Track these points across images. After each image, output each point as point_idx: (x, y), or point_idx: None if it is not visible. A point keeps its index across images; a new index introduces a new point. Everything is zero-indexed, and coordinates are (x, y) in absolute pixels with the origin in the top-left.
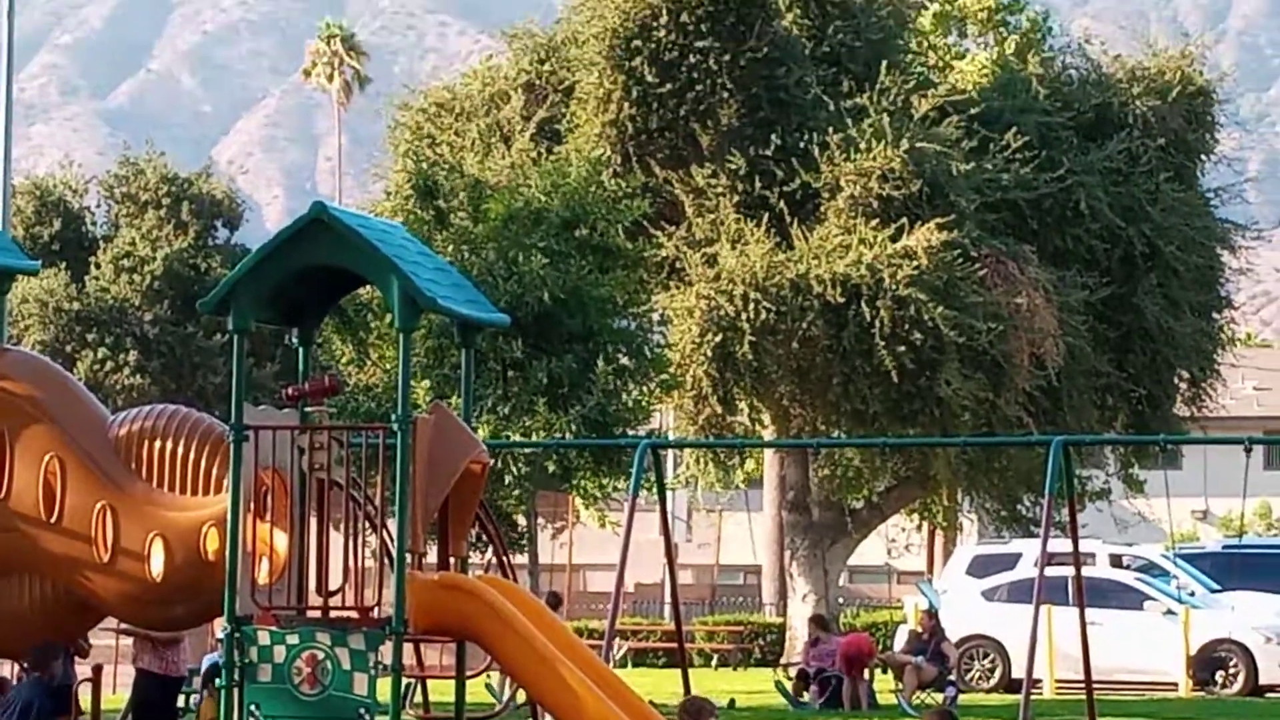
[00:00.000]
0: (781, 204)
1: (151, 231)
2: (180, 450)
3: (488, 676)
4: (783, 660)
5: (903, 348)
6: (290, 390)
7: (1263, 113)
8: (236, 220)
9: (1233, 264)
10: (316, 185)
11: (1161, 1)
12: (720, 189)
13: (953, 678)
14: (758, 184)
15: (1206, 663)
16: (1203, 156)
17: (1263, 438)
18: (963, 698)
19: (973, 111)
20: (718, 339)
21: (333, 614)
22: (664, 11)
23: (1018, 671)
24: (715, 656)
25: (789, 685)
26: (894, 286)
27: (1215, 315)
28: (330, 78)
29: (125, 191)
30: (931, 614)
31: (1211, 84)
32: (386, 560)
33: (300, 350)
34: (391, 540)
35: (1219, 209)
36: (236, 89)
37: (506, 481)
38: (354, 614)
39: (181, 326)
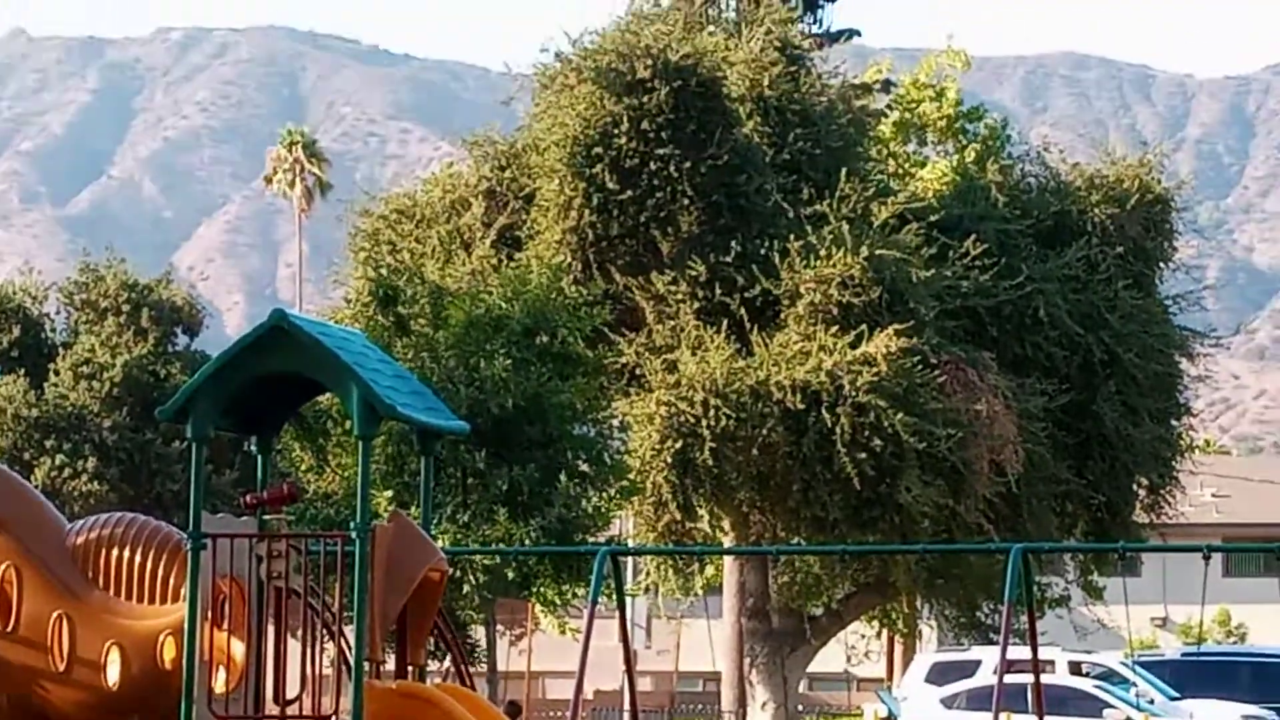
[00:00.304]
0: (742, 310)
1: (111, 338)
2: (138, 559)
3: None
4: None
5: (863, 454)
6: (249, 498)
7: (1220, 220)
8: (196, 327)
9: (1191, 371)
10: (277, 291)
11: (1120, 110)
12: (680, 295)
13: None
14: (718, 290)
15: None
16: (1161, 264)
17: (1222, 545)
18: None
19: (932, 219)
20: (678, 445)
21: None
22: (625, 119)
23: None
24: None
25: None
26: (854, 393)
27: (1174, 422)
28: (292, 184)
29: (85, 298)
30: None
31: (1170, 192)
32: (344, 668)
33: (259, 458)
34: (349, 648)
35: (1177, 316)
36: (198, 195)
37: (465, 590)
38: None
39: (140, 433)
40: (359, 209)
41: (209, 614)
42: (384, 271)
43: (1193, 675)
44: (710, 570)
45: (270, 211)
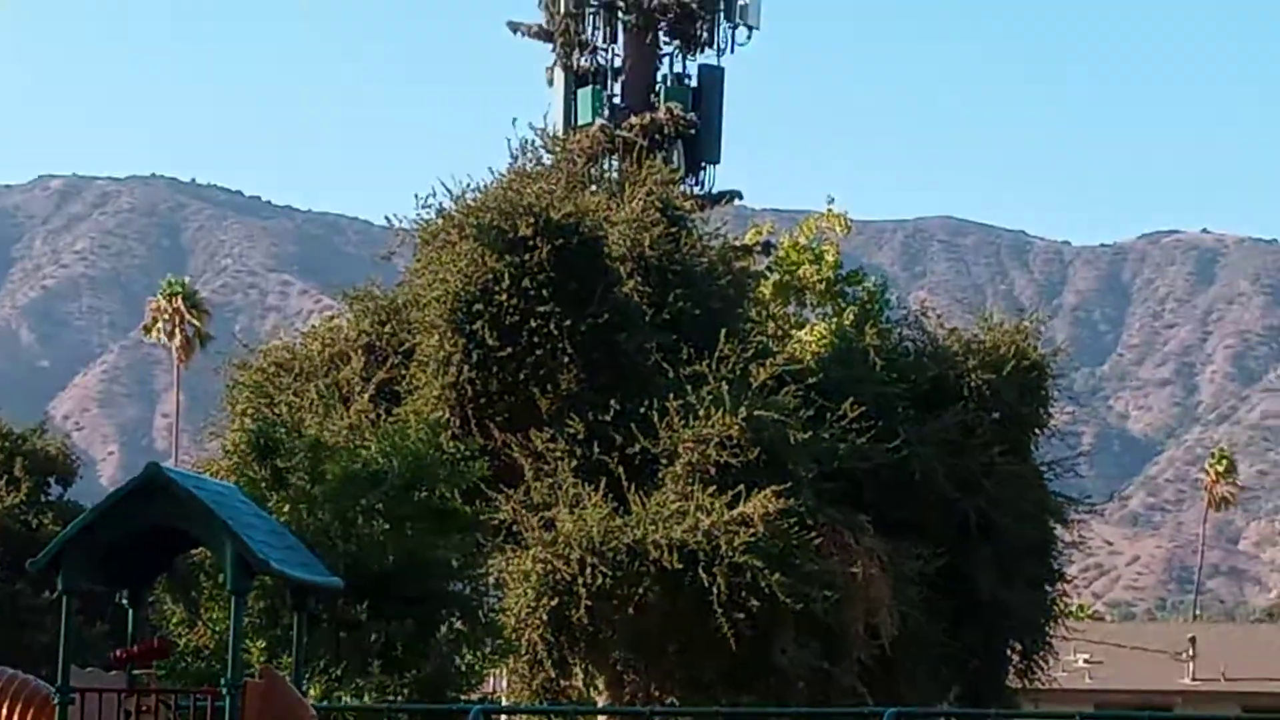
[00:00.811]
0: (620, 469)
1: None
2: (4, 712)
3: None
4: None
5: (739, 614)
6: (119, 652)
7: (1096, 387)
8: (70, 477)
9: (1066, 537)
10: (153, 442)
11: (997, 275)
12: (559, 453)
13: None
14: (596, 448)
15: None
16: (1037, 430)
17: (1094, 712)
18: None
19: (811, 381)
20: (553, 603)
21: None
22: (505, 276)
23: None
24: None
25: None
26: (731, 553)
27: (1048, 587)
28: (171, 334)
29: None
30: None
31: (1046, 358)
32: None
33: (130, 611)
34: None
35: (1053, 482)
36: (75, 344)
37: None
38: None
39: (10, 583)
40: (237, 361)
41: None
42: (262, 424)
43: None
44: None
45: (148, 362)
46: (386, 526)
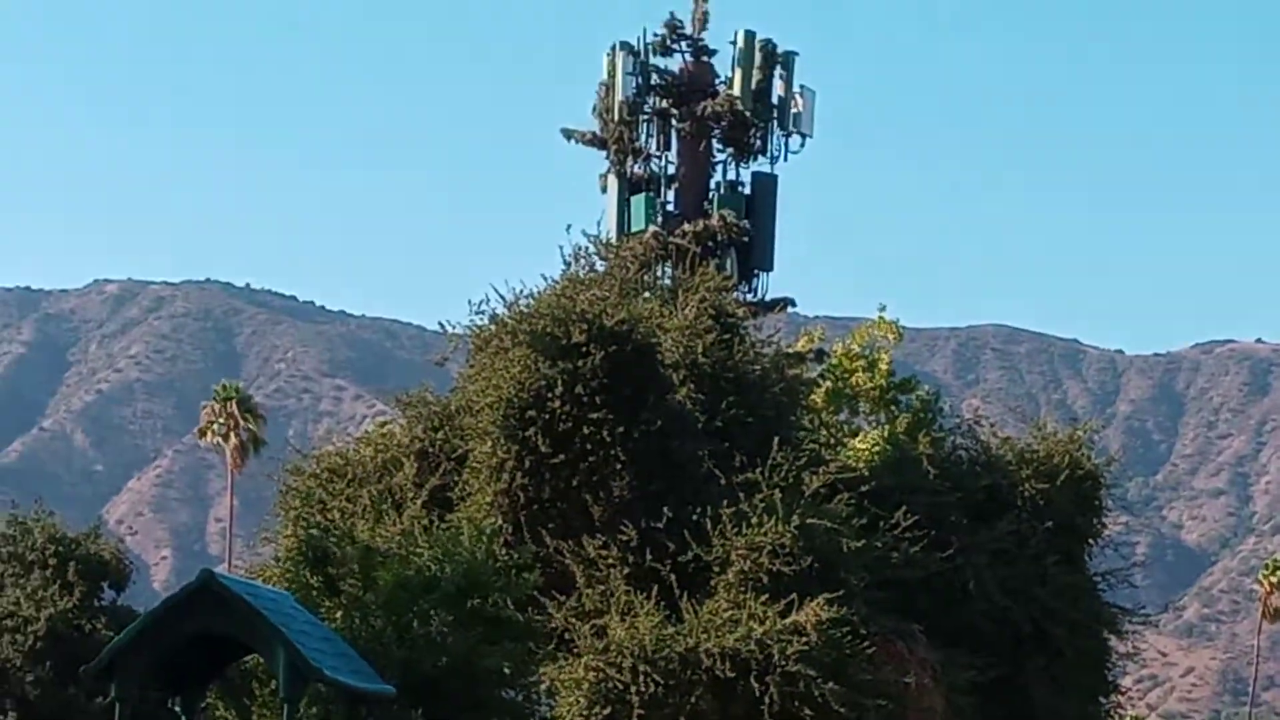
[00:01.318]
0: (672, 576)
1: (36, 592)
2: None
3: None
4: None
5: None
6: None
7: (1150, 497)
8: (123, 582)
9: (1120, 648)
10: (206, 546)
11: (1050, 384)
12: (611, 560)
13: None
14: (649, 556)
15: None
16: (1090, 540)
17: None
18: None
19: (863, 489)
20: (605, 712)
21: None
22: (559, 383)
23: None
24: None
25: None
26: (783, 662)
27: (1102, 699)
28: (226, 438)
29: (12, 551)
30: None
31: (1099, 468)
32: None
33: (184, 717)
34: None
35: (1106, 592)
36: (129, 448)
37: None
38: None
39: (64, 688)
40: (290, 467)
41: None
42: (314, 531)
43: None
44: None
45: (201, 466)
46: (439, 633)
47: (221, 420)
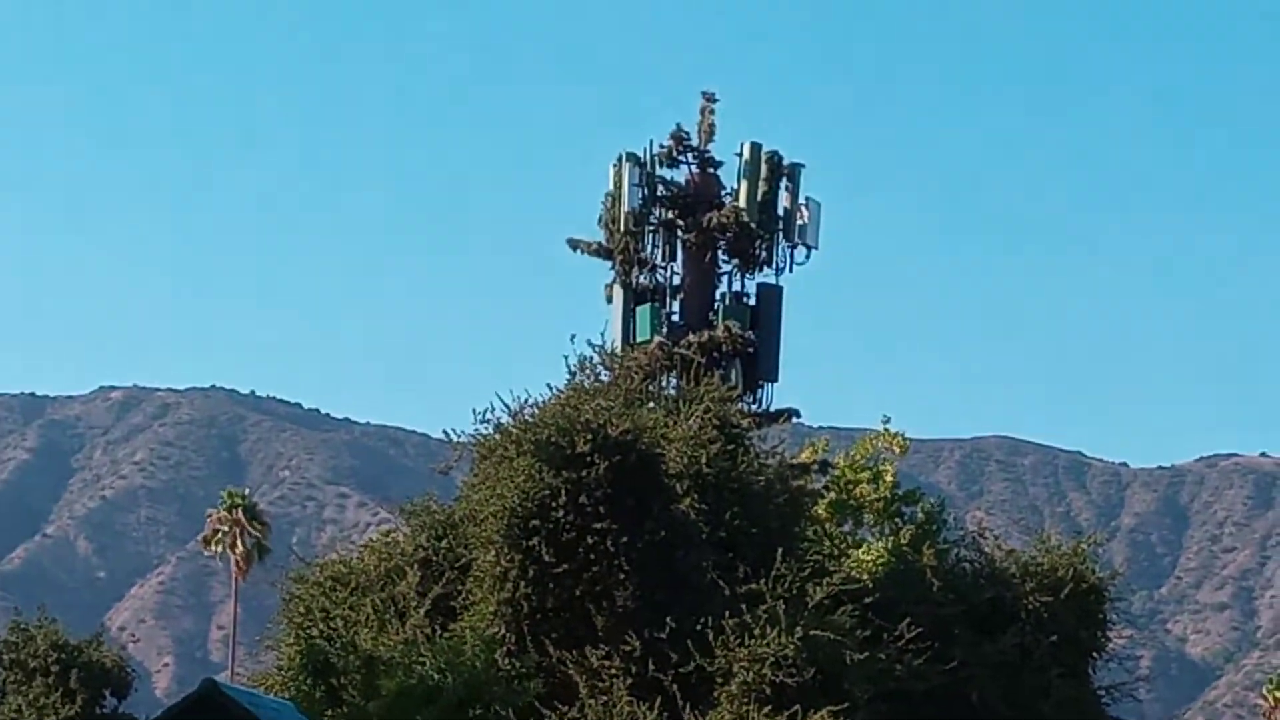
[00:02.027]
0: (675, 687)
1: (39, 699)
2: None
3: None
4: None
5: None
6: None
7: (1154, 610)
8: (125, 690)
9: None
10: (209, 654)
11: (1055, 496)
12: (614, 670)
13: None
14: (651, 666)
15: None
16: (1095, 653)
17: None
18: None
19: (867, 600)
20: None
21: None
22: (563, 492)
23: None
24: None
25: None
26: None
27: None
28: (232, 545)
29: (14, 658)
30: None
31: (1103, 581)
32: None
33: None
34: None
35: (1110, 706)
36: (132, 555)
37: None
38: None
39: None
40: (293, 575)
41: None
42: (316, 640)
43: None
44: None
45: (205, 573)
46: None
47: (227, 528)
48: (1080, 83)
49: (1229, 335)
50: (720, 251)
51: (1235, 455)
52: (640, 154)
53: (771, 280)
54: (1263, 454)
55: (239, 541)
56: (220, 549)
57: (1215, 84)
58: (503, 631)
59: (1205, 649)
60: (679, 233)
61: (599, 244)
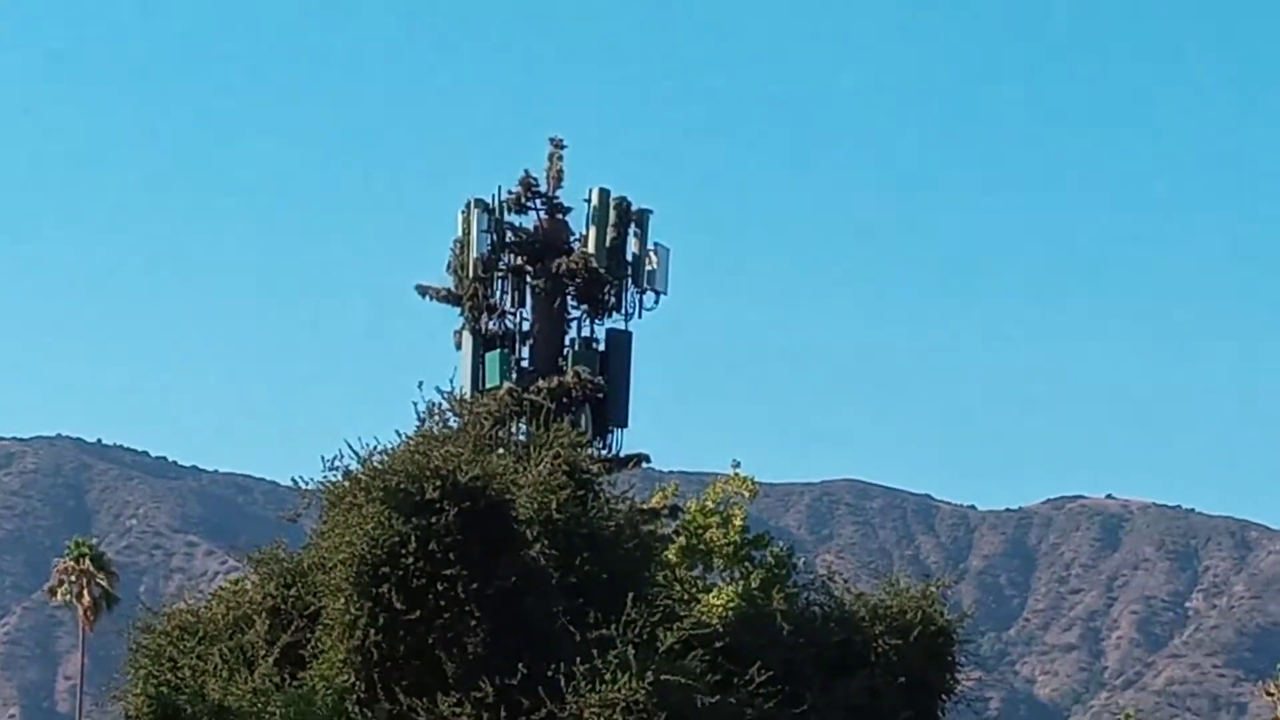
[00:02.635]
0: None
1: None
2: None
3: None
4: None
5: None
6: None
7: (1003, 652)
8: None
9: None
10: (55, 705)
11: (904, 539)
12: (466, 717)
13: None
14: (503, 713)
15: None
16: (944, 695)
17: None
18: None
19: (718, 645)
20: None
21: None
22: (413, 539)
23: None
24: None
25: None
26: None
27: None
28: (79, 595)
29: None
30: None
31: (952, 624)
32: None
33: None
34: None
35: None
36: None
37: None
38: None
39: None
40: (140, 624)
41: None
42: (164, 689)
43: None
44: None
45: (51, 623)
46: None
47: (74, 577)
48: (931, 125)
49: (1074, 378)
50: (569, 297)
51: (1081, 497)
52: (489, 200)
53: (621, 325)
54: (1109, 495)
55: (85, 591)
56: (67, 598)
57: (1044, 150)
58: (353, 679)
59: (1054, 690)
60: (528, 279)
61: (448, 290)
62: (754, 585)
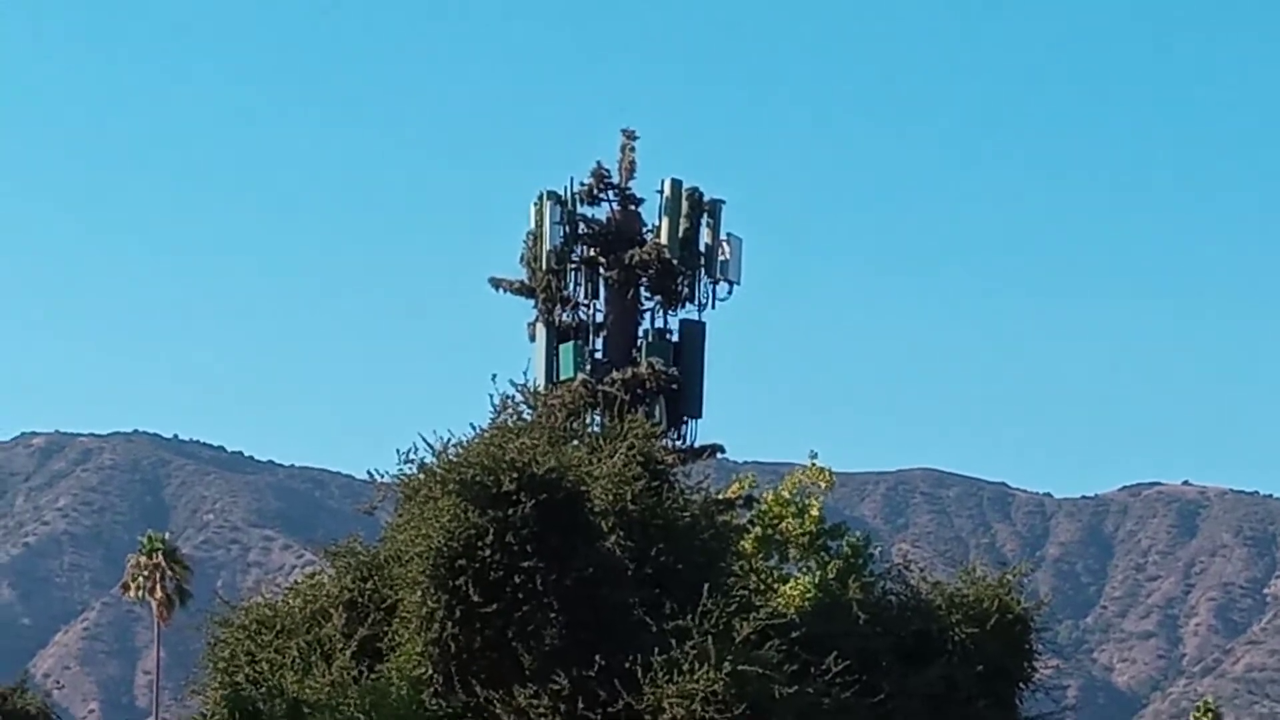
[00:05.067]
0: None
1: None
2: None
3: None
4: None
5: None
6: None
7: (1080, 639)
8: None
9: None
10: (134, 699)
11: (980, 528)
12: (542, 709)
13: None
14: (580, 705)
15: None
16: (1021, 684)
17: None
18: None
19: (794, 635)
20: None
21: None
22: (489, 532)
23: None
24: None
25: None
26: None
27: None
28: (152, 590)
29: None
30: None
31: (1029, 612)
32: None
33: None
34: None
35: None
36: (56, 601)
37: None
38: None
39: None
40: (218, 618)
41: None
42: (242, 684)
43: None
44: None
45: (129, 619)
46: None
47: (147, 573)
48: (1004, 119)
49: (1151, 365)
50: (642, 288)
51: (1158, 484)
52: (561, 192)
53: (694, 316)
54: (1185, 482)
55: (159, 586)
56: (141, 594)
57: (1093, 130)
58: (430, 672)
59: (1132, 678)
60: (601, 270)
61: (521, 282)
62: (830, 575)
